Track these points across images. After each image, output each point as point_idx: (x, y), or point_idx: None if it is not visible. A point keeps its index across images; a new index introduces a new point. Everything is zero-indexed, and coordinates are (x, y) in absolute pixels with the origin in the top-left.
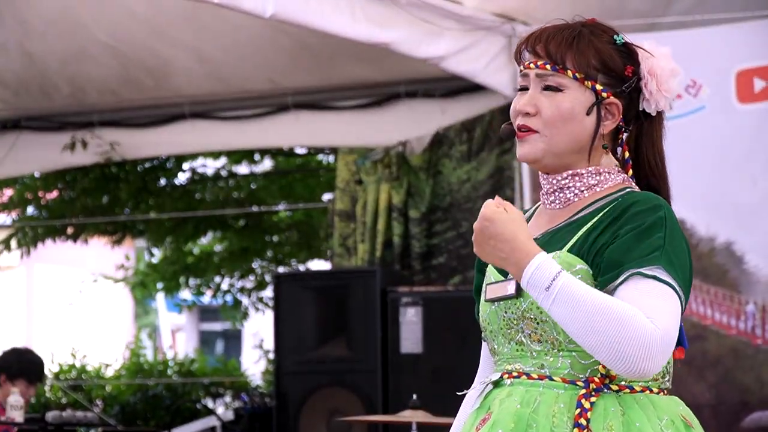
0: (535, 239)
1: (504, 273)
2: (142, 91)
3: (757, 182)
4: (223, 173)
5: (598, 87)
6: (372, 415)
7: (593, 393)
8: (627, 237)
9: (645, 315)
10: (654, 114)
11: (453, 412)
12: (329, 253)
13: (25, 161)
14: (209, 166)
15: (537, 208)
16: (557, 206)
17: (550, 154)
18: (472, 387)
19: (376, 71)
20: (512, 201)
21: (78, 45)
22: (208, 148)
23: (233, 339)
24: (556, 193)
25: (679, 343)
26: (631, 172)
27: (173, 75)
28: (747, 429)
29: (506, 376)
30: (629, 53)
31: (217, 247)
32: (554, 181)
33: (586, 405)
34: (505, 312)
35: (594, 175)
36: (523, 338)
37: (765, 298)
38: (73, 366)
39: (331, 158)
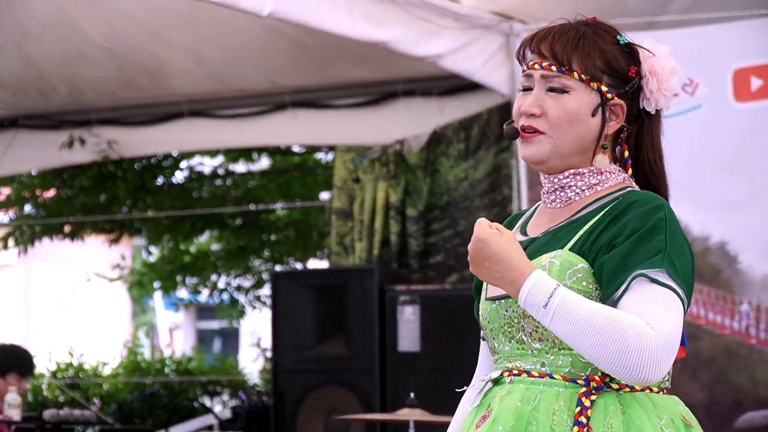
0: (536, 238)
1: None
2: (139, 92)
3: (752, 181)
4: (221, 172)
5: (604, 88)
6: (369, 414)
7: (594, 391)
8: (628, 242)
9: (646, 322)
10: (653, 112)
11: (450, 410)
12: (327, 251)
13: (23, 159)
14: (207, 165)
15: (537, 207)
16: (558, 205)
17: (555, 156)
18: (471, 385)
19: (373, 70)
20: (510, 199)
21: (75, 47)
22: (205, 146)
23: (231, 337)
24: (557, 192)
25: (681, 342)
26: (630, 171)
27: (171, 76)
28: (740, 429)
29: (506, 374)
30: (632, 53)
31: (215, 246)
32: (555, 180)
33: (587, 403)
34: (506, 311)
35: (595, 175)
36: (524, 336)
37: (759, 298)
38: (70, 364)
39: (328, 157)
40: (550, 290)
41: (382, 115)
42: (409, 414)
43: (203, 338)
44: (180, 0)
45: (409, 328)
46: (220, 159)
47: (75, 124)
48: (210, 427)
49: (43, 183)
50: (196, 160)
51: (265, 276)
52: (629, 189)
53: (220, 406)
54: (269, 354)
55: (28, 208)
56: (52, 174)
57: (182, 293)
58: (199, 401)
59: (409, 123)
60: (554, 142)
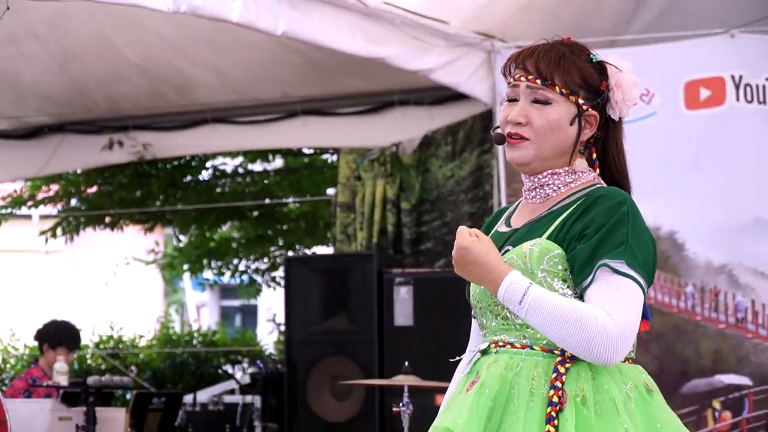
0: (518, 229)
1: None
2: (169, 103)
3: (700, 180)
4: (240, 170)
5: (580, 101)
6: (369, 380)
7: (568, 360)
8: (596, 237)
9: (606, 312)
10: (617, 120)
11: (440, 377)
12: (332, 239)
13: (69, 160)
14: (228, 164)
15: (519, 202)
16: (537, 200)
17: (538, 159)
18: (463, 356)
19: (373, 82)
20: (490, 194)
21: (112, 66)
22: (227, 148)
23: (250, 313)
24: (537, 190)
25: (645, 317)
26: (598, 170)
27: (196, 88)
28: (686, 395)
29: (493, 345)
30: (602, 69)
31: (235, 234)
32: (536, 180)
33: (562, 370)
34: None
35: (570, 174)
36: (508, 314)
37: (703, 281)
38: (111, 337)
39: (334, 157)
40: (524, 289)
41: (380, 121)
42: (403, 380)
43: (226, 314)
44: (203, 21)
45: (403, 306)
46: (239, 159)
47: (114, 129)
48: (232, 391)
49: (87, 180)
50: (219, 161)
51: (279, 260)
52: (597, 186)
53: (241, 373)
54: (283, 328)
55: (73, 202)
56: (94, 173)
57: (208, 275)
58: (223, 369)
59: (404, 128)
60: (537, 147)
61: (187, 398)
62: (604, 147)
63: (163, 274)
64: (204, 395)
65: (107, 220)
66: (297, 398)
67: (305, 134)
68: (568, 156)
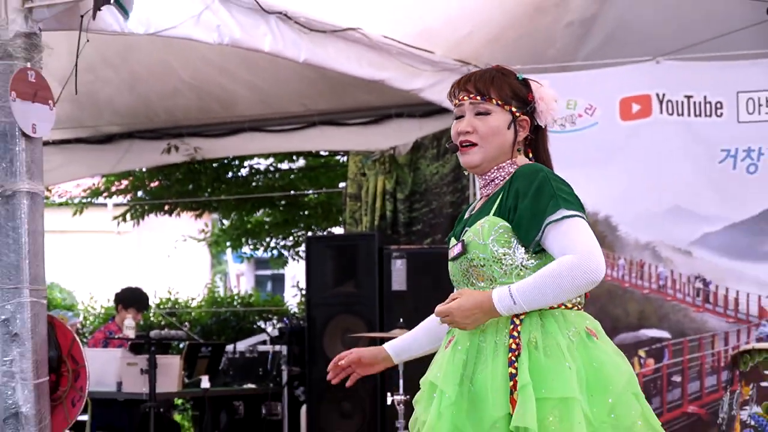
0: (473, 214)
1: (458, 237)
2: (213, 115)
3: (630, 175)
4: (271, 168)
5: (513, 109)
6: (372, 333)
7: (521, 313)
8: (527, 200)
9: (569, 253)
10: (543, 127)
11: None
12: (343, 222)
13: (136, 161)
14: (262, 164)
15: (478, 200)
16: (491, 191)
17: (486, 161)
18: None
19: (375, 98)
20: (467, 187)
21: (170, 85)
22: (260, 151)
23: (278, 281)
24: (489, 183)
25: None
26: None
27: (236, 103)
28: (617, 345)
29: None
30: (527, 85)
31: (267, 219)
32: (487, 177)
33: (517, 321)
34: (461, 264)
35: (510, 166)
36: (473, 280)
37: (632, 255)
38: (169, 299)
39: (344, 158)
40: (507, 292)
41: (381, 130)
42: (398, 333)
43: (260, 281)
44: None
45: (398, 275)
46: (270, 160)
47: (171, 136)
48: (264, 342)
49: (150, 176)
50: (254, 161)
51: (301, 239)
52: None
53: (271, 328)
54: (304, 292)
55: (140, 194)
56: (156, 170)
57: (245, 250)
58: (257, 324)
59: (399, 135)
60: (484, 150)
61: (229, 348)
62: (535, 149)
63: (210, 250)
64: (242, 345)
65: (166, 207)
66: (315, 347)
67: (322, 140)
68: (509, 154)
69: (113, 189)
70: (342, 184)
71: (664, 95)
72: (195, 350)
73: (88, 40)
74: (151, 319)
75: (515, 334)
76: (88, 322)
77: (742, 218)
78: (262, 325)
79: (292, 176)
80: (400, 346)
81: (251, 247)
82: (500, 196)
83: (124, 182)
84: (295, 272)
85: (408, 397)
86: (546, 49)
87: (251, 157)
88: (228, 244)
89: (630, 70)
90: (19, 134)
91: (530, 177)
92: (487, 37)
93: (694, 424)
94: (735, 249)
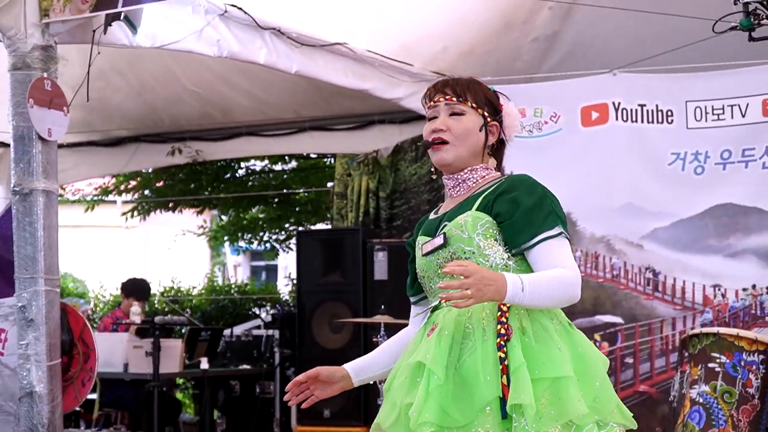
0: (448, 212)
1: (430, 234)
2: (214, 120)
3: (589, 175)
4: (266, 169)
5: (486, 114)
6: (357, 318)
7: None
8: (527, 209)
9: (562, 266)
10: (505, 143)
11: (406, 317)
12: (330, 218)
13: (143, 162)
14: (257, 165)
15: (440, 205)
16: (462, 192)
17: (458, 159)
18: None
19: (359, 106)
20: (442, 187)
21: (174, 92)
22: (256, 154)
23: (272, 271)
24: (461, 184)
25: None
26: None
27: (234, 109)
28: None
29: (444, 301)
30: (497, 97)
31: (261, 215)
32: (459, 177)
33: (504, 308)
34: (437, 258)
35: (483, 170)
36: (453, 276)
37: (587, 248)
38: (172, 288)
39: (332, 160)
40: (519, 280)
41: (365, 134)
42: (381, 318)
43: (255, 271)
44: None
45: (380, 266)
46: (265, 161)
47: (175, 139)
48: (258, 327)
49: (156, 176)
50: (250, 163)
51: (292, 234)
52: (504, 176)
53: (265, 314)
54: (295, 281)
55: (146, 192)
56: (161, 171)
57: (242, 243)
58: (252, 311)
59: (381, 139)
60: (456, 149)
61: (226, 332)
62: (497, 157)
63: (210, 243)
64: (238, 330)
65: (170, 205)
66: (305, 332)
67: (311, 144)
68: (480, 156)
69: (122, 188)
70: (330, 184)
71: (620, 104)
72: (195, 334)
73: (99, 52)
74: (156, 306)
75: (503, 319)
76: (98, 308)
77: (689, 215)
78: (257, 312)
79: (285, 176)
80: (360, 366)
81: (247, 241)
82: (484, 195)
83: (132, 182)
84: (287, 263)
85: None
86: (514, 62)
87: (248, 159)
88: (226, 238)
89: (589, 81)
90: (36, 138)
91: (530, 188)
92: (461, 51)
93: (645, 401)
94: (682, 243)
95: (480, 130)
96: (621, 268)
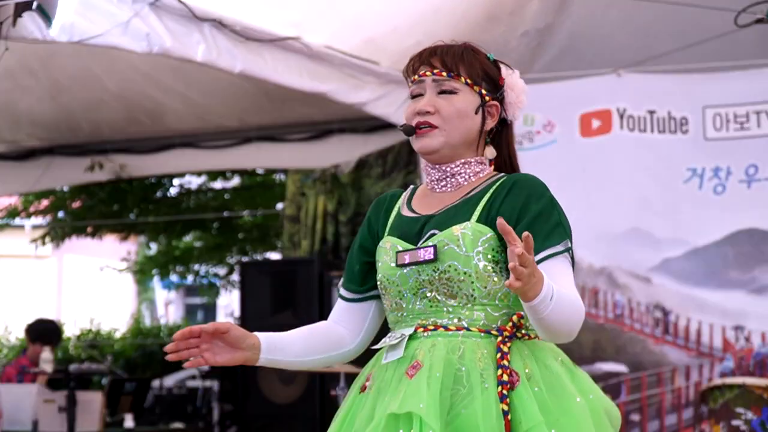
0: (433, 215)
1: (412, 242)
2: (143, 128)
3: (588, 196)
4: (203, 188)
5: (483, 92)
6: None
7: (507, 339)
8: (530, 219)
9: (572, 292)
10: (509, 121)
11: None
12: (280, 246)
13: (57, 178)
14: (193, 183)
15: (414, 190)
16: (449, 189)
17: (447, 146)
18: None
19: (316, 113)
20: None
21: (95, 95)
22: (192, 169)
23: (210, 310)
24: (449, 179)
25: None
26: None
27: (166, 115)
28: None
29: (421, 330)
30: (498, 67)
31: (198, 243)
32: (447, 169)
33: (505, 349)
34: (419, 274)
35: (479, 164)
36: (437, 296)
37: (584, 281)
38: (90, 330)
39: (282, 177)
40: (551, 286)
41: (322, 146)
42: (340, 367)
43: (190, 310)
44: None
45: None
46: (203, 178)
47: (96, 152)
48: (193, 377)
49: (72, 195)
50: (185, 179)
51: (234, 267)
52: (504, 174)
53: None
54: (239, 322)
55: (60, 214)
56: (78, 189)
57: (174, 277)
58: None
59: (342, 152)
60: (446, 134)
61: (155, 383)
62: (498, 144)
63: (136, 277)
64: (170, 380)
65: (89, 230)
66: (249, 383)
67: (258, 157)
68: (474, 145)
69: (31, 209)
70: (279, 205)
71: (625, 110)
72: (118, 386)
73: (7, 48)
74: (71, 351)
75: (505, 363)
76: (2, 354)
77: (706, 242)
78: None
79: (226, 196)
80: (274, 341)
81: (180, 274)
82: (485, 201)
83: (44, 202)
84: (229, 301)
85: None
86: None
87: (182, 175)
88: (155, 271)
89: (589, 83)
90: None
91: (538, 193)
92: None
93: None
94: (697, 276)
95: (476, 113)
96: (625, 306)
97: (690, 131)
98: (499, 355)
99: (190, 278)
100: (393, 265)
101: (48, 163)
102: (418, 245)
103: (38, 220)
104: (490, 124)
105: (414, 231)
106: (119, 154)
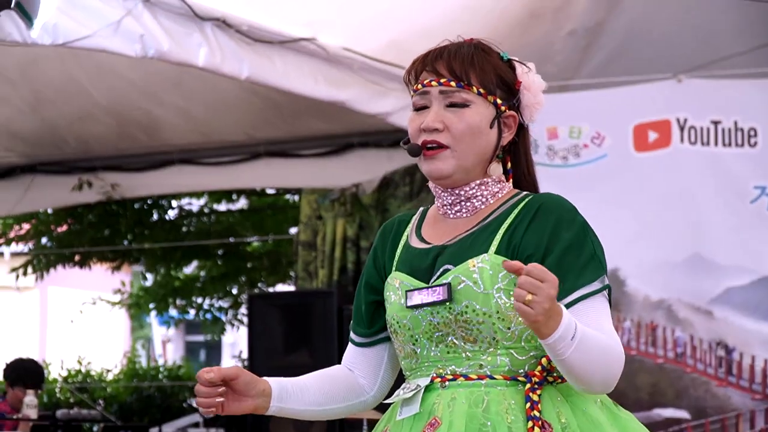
0: (446, 245)
1: (423, 278)
2: (137, 144)
3: (642, 219)
4: (206, 210)
5: (499, 101)
6: None
7: (537, 386)
8: (560, 253)
9: (608, 337)
10: (526, 125)
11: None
12: (294, 277)
13: (40, 200)
14: (194, 204)
15: (423, 215)
16: (464, 215)
17: (460, 170)
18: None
19: (333, 125)
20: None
21: (82, 108)
22: (193, 189)
23: (214, 348)
24: (463, 203)
25: None
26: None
27: (163, 130)
28: None
29: (438, 380)
30: (513, 68)
31: (200, 273)
32: (462, 193)
33: (535, 398)
34: (432, 317)
35: (496, 183)
36: (455, 340)
37: (640, 316)
38: (79, 371)
39: (296, 198)
40: (575, 323)
41: (341, 162)
42: (363, 414)
43: (191, 349)
44: (170, 65)
45: None
46: (205, 199)
47: (83, 169)
48: (196, 425)
49: (57, 219)
50: (185, 201)
51: (241, 299)
52: (526, 193)
53: None
54: (246, 363)
55: (44, 240)
56: (64, 211)
57: (173, 312)
58: (188, 402)
59: (363, 169)
60: (458, 155)
61: (153, 431)
62: (515, 153)
63: (130, 311)
64: (169, 429)
65: (76, 258)
66: None
67: (268, 175)
68: (488, 163)
69: (11, 235)
70: (293, 230)
71: (686, 120)
72: None
73: None
74: (58, 395)
75: (536, 414)
76: None
77: None
78: (194, 404)
79: (232, 220)
80: (286, 388)
81: (180, 308)
82: (504, 228)
83: (25, 226)
84: (236, 338)
85: None
86: (543, 64)
87: (181, 195)
88: (152, 305)
89: (645, 90)
90: None
91: (568, 218)
92: None
93: None
94: (763, 308)
95: (491, 127)
96: (687, 344)
97: (759, 144)
98: (528, 405)
99: (191, 313)
100: (403, 305)
101: (29, 183)
102: (430, 283)
103: (19, 247)
104: (508, 137)
105: (425, 265)
106: (110, 171)
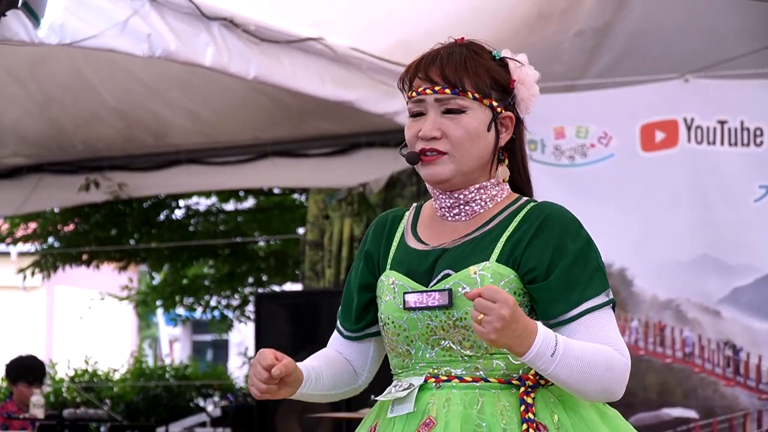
0: (447, 249)
1: (421, 281)
2: (144, 146)
3: (650, 219)
4: (213, 209)
5: (494, 104)
6: (337, 413)
7: (530, 389)
8: (565, 267)
9: (614, 348)
10: (522, 118)
11: None
12: (301, 276)
13: (47, 199)
14: (201, 204)
15: (417, 213)
16: (463, 218)
17: (459, 174)
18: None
19: (340, 125)
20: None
21: (90, 109)
22: (200, 188)
23: (221, 348)
24: (461, 207)
25: None
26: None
27: (170, 131)
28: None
29: (432, 380)
30: (505, 66)
31: (208, 270)
32: (461, 197)
33: (529, 401)
34: (430, 320)
35: (495, 186)
36: (451, 345)
37: (648, 315)
38: (86, 371)
39: (303, 197)
40: (554, 340)
41: (348, 162)
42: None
43: (198, 348)
44: (177, 65)
45: None
46: (212, 199)
47: (90, 169)
48: (203, 424)
49: (64, 219)
50: (192, 200)
51: (249, 297)
52: (527, 199)
53: (212, 406)
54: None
55: (51, 240)
56: (71, 211)
57: (180, 311)
58: (194, 402)
59: (370, 169)
60: (457, 160)
61: (160, 431)
62: (511, 150)
63: (137, 310)
64: (176, 428)
65: (84, 257)
66: (266, 431)
67: (275, 175)
68: (488, 166)
69: (18, 234)
70: (300, 230)
71: (693, 120)
72: None
73: None
74: (64, 394)
75: (530, 416)
76: None
77: None
78: (201, 404)
79: (239, 219)
80: (312, 375)
81: (187, 307)
82: (506, 236)
83: (32, 226)
84: (242, 337)
85: None
86: (550, 65)
87: (188, 195)
88: (159, 303)
89: (652, 90)
90: None
91: (573, 231)
92: None
93: None
94: None
95: (488, 130)
96: (695, 344)
97: (765, 143)
98: (523, 407)
99: (198, 311)
100: (399, 307)
101: (36, 182)
102: (429, 286)
103: (26, 247)
104: (505, 138)
105: (424, 268)
106: (117, 171)
